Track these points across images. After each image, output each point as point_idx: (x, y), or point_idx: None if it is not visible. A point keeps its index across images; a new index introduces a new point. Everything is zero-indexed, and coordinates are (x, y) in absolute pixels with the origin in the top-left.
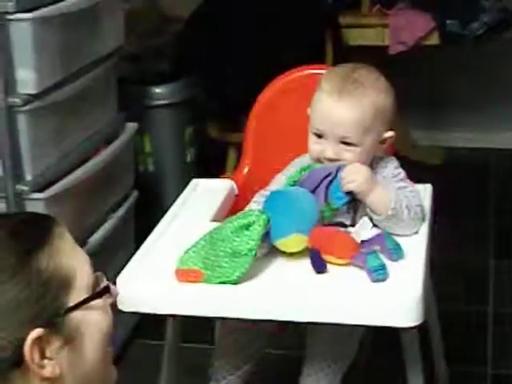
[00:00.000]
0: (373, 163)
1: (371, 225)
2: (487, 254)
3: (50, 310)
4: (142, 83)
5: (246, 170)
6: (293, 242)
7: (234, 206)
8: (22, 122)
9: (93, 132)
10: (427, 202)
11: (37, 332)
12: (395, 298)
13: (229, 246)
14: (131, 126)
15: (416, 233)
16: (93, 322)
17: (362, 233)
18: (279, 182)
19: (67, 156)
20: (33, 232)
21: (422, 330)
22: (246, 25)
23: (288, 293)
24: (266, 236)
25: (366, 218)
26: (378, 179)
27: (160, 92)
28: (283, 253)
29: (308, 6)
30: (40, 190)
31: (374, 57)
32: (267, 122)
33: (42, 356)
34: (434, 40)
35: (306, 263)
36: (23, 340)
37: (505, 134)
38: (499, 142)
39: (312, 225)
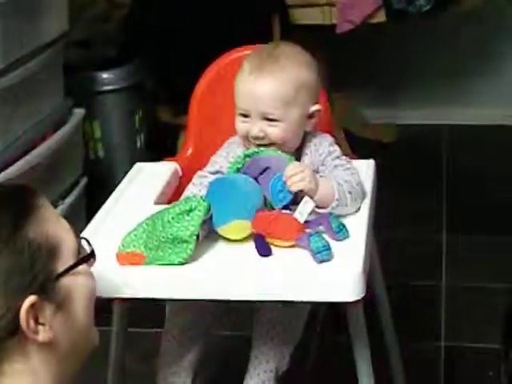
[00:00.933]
0: (306, 141)
1: (313, 204)
2: (440, 228)
3: (41, 278)
4: (89, 69)
5: (189, 151)
6: (234, 228)
7: (178, 187)
8: None
9: (39, 119)
10: (370, 178)
11: (30, 299)
12: (337, 273)
13: (169, 231)
14: (79, 112)
15: (358, 210)
16: (81, 287)
17: (304, 213)
18: (214, 163)
19: (13, 144)
20: (18, 204)
21: (371, 306)
22: (191, 7)
23: (233, 272)
24: (207, 222)
25: (307, 198)
26: (314, 162)
27: (108, 77)
28: None
29: None
30: None
31: (321, 35)
32: (208, 104)
33: (36, 322)
34: (381, 17)
35: (251, 244)
36: (18, 308)
37: (456, 109)
38: (451, 118)
39: (255, 211)
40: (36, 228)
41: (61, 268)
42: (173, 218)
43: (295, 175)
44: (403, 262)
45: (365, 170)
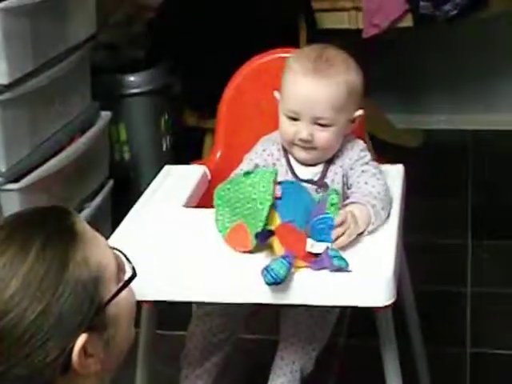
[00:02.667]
0: (340, 145)
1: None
2: (465, 234)
3: (91, 314)
4: (116, 72)
5: (218, 155)
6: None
7: (207, 191)
8: None
9: (67, 121)
10: (399, 183)
11: (82, 338)
12: (368, 278)
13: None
14: (106, 115)
15: (387, 215)
16: (125, 306)
17: (315, 248)
18: (249, 160)
19: (41, 146)
20: (61, 239)
21: (398, 311)
22: (219, 10)
23: (260, 275)
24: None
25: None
26: (344, 166)
27: (135, 80)
28: None
29: None
30: (14, 181)
31: (347, 40)
32: (238, 107)
33: (86, 355)
34: (408, 22)
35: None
36: (71, 348)
37: (482, 115)
38: (476, 123)
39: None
40: (80, 262)
41: (105, 294)
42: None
43: (342, 230)
44: (428, 268)
45: (394, 175)
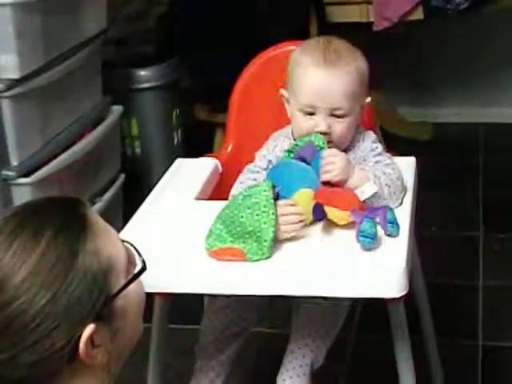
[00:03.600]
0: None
1: (377, 188)
2: (477, 227)
3: (99, 304)
4: (127, 66)
5: (229, 148)
6: (302, 196)
7: (219, 184)
8: (6, 107)
9: (78, 116)
10: (411, 175)
11: (90, 328)
12: (380, 269)
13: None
14: (117, 110)
15: (400, 205)
16: (133, 298)
17: (366, 193)
18: (262, 157)
19: (53, 140)
20: (73, 228)
21: (410, 305)
22: (229, 4)
23: (273, 267)
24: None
25: (372, 182)
26: (356, 158)
27: (145, 75)
28: None
29: None
30: (26, 175)
31: (358, 33)
32: (249, 100)
33: (93, 346)
34: (419, 15)
35: (291, 241)
36: (78, 337)
37: (493, 109)
38: (488, 117)
39: (316, 184)
40: (92, 255)
41: (114, 286)
42: (249, 208)
43: (326, 165)
44: (440, 261)
45: (406, 167)
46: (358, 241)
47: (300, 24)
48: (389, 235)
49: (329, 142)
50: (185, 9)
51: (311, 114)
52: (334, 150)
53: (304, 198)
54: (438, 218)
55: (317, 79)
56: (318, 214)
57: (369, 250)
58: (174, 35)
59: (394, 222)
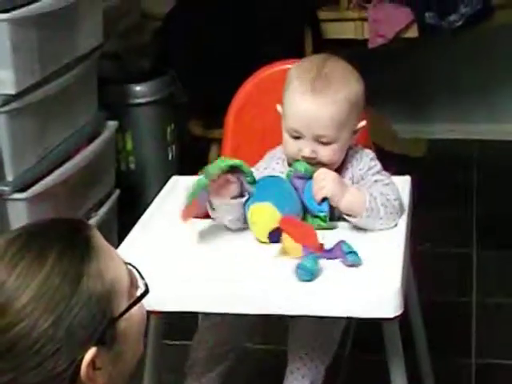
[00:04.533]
0: (347, 155)
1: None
2: (470, 244)
3: (101, 328)
4: (122, 82)
5: None
6: (264, 211)
7: None
8: (2, 122)
9: (74, 131)
10: (406, 194)
11: (92, 352)
12: (375, 289)
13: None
14: (112, 125)
15: (395, 225)
16: (134, 320)
17: (326, 237)
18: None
19: (48, 156)
20: (77, 251)
21: (404, 322)
22: (225, 20)
23: (268, 286)
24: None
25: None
26: (354, 177)
27: (141, 90)
28: (262, 249)
29: (287, 1)
30: (21, 190)
31: (353, 50)
32: (245, 118)
33: (94, 369)
34: (413, 33)
35: (287, 260)
36: (80, 360)
37: (487, 125)
38: (482, 133)
39: (291, 211)
40: (95, 275)
41: (117, 309)
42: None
43: (317, 183)
44: (433, 278)
45: (401, 186)
46: (295, 272)
47: (296, 41)
48: (352, 265)
49: (318, 163)
50: (180, 24)
51: (298, 137)
52: (323, 170)
53: (268, 214)
54: (432, 234)
55: (302, 106)
56: (274, 238)
57: (303, 281)
58: (169, 50)
59: (351, 252)
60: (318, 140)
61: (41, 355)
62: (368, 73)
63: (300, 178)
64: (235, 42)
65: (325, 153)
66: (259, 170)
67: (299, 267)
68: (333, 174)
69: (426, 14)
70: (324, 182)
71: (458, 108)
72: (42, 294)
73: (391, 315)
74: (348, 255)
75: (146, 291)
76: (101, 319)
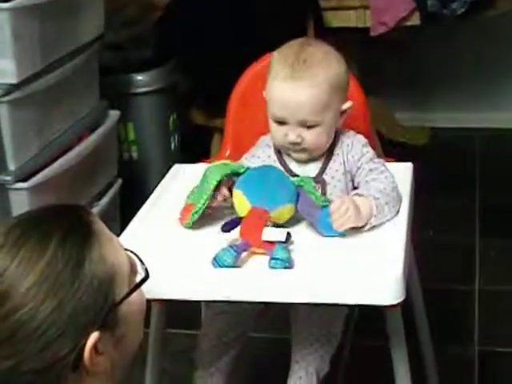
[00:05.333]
0: (337, 141)
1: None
2: (473, 232)
3: (103, 312)
4: (124, 71)
5: (227, 153)
6: (287, 211)
7: None
8: (4, 112)
9: (75, 120)
10: (408, 181)
11: (95, 336)
12: (377, 276)
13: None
14: (114, 114)
15: (397, 213)
16: (135, 305)
17: (273, 237)
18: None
19: (50, 145)
20: (78, 236)
21: (406, 310)
22: (226, 8)
23: (270, 274)
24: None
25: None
26: (348, 165)
27: (142, 79)
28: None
29: None
30: (23, 180)
31: (355, 39)
32: (247, 106)
33: (96, 354)
34: (415, 20)
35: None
36: (83, 345)
37: (490, 114)
38: (485, 122)
39: (269, 203)
40: (96, 260)
41: (119, 294)
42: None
43: (340, 216)
44: (436, 266)
45: (402, 172)
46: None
47: (298, 29)
48: (272, 268)
49: (304, 149)
50: (182, 13)
51: (282, 123)
52: (337, 203)
53: (238, 201)
54: (434, 222)
55: (283, 93)
56: (231, 224)
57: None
58: (171, 39)
59: (279, 259)
60: (303, 124)
61: (44, 340)
62: (370, 61)
63: (308, 204)
64: (236, 30)
65: (310, 136)
66: (247, 159)
67: (214, 257)
68: (351, 205)
69: (429, 2)
70: (344, 218)
71: (461, 96)
72: (44, 278)
73: (393, 302)
74: (272, 261)
75: (147, 276)
76: (103, 303)
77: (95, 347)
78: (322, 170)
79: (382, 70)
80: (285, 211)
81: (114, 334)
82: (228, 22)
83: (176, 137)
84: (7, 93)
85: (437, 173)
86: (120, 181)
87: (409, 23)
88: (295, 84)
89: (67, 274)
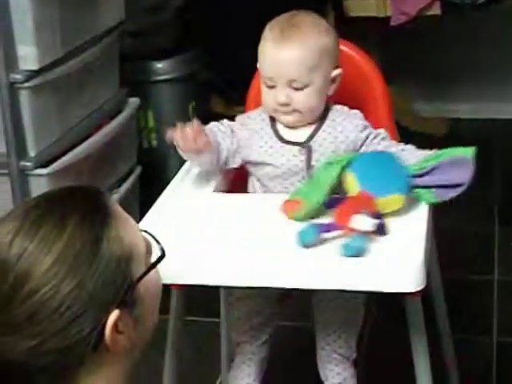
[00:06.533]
0: (331, 114)
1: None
2: (492, 222)
3: (122, 290)
4: (144, 58)
5: None
6: (394, 201)
7: (237, 175)
8: (25, 98)
9: (95, 107)
10: None
11: (115, 314)
12: (398, 263)
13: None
14: (133, 102)
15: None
16: (152, 287)
17: (365, 226)
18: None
19: (70, 132)
20: (96, 216)
21: (426, 298)
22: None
23: (291, 261)
24: None
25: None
26: (348, 141)
27: (163, 67)
28: (284, 224)
29: None
30: (43, 166)
31: (375, 28)
32: None
33: (117, 332)
34: (436, 10)
35: None
36: (103, 324)
37: (509, 104)
38: (504, 112)
39: (380, 191)
40: (114, 239)
41: (136, 273)
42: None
43: None
44: (455, 256)
45: None
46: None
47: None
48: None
49: (294, 111)
50: (203, 1)
51: (272, 86)
52: None
53: (348, 182)
54: (454, 212)
55: (272, 53)
56: (333, 201)
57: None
58: (193, 27)
59: (349, 246)
60: (291, 86)
61: (65, 319)
62: (389, 51)
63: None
64: (256, 18)
65: (299, 98)
66: (242, 117)
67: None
68: None
69: None
70: None
71: (481, 87)
72: (64, 257)
73: (413, 289)
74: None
75: (163, 255)
76: (122, 282)
77: (115, 326)
78: (311, 136)
79: (402, 60)
80: (392, 200)
81: (132, 313)
82: (247, 10)
83: None
84: (28, 79)
85: None
86: (139, 168)
87: (429, 13)
88: (284, 44)
89: (86, 253)
